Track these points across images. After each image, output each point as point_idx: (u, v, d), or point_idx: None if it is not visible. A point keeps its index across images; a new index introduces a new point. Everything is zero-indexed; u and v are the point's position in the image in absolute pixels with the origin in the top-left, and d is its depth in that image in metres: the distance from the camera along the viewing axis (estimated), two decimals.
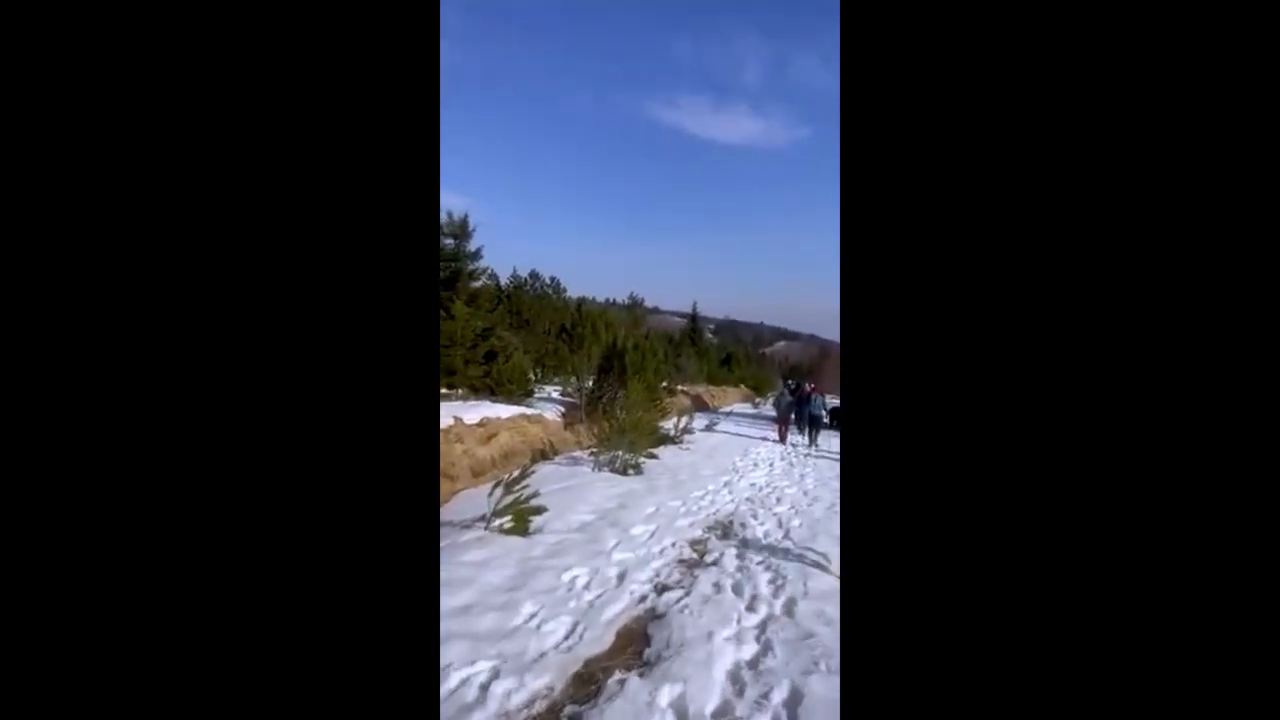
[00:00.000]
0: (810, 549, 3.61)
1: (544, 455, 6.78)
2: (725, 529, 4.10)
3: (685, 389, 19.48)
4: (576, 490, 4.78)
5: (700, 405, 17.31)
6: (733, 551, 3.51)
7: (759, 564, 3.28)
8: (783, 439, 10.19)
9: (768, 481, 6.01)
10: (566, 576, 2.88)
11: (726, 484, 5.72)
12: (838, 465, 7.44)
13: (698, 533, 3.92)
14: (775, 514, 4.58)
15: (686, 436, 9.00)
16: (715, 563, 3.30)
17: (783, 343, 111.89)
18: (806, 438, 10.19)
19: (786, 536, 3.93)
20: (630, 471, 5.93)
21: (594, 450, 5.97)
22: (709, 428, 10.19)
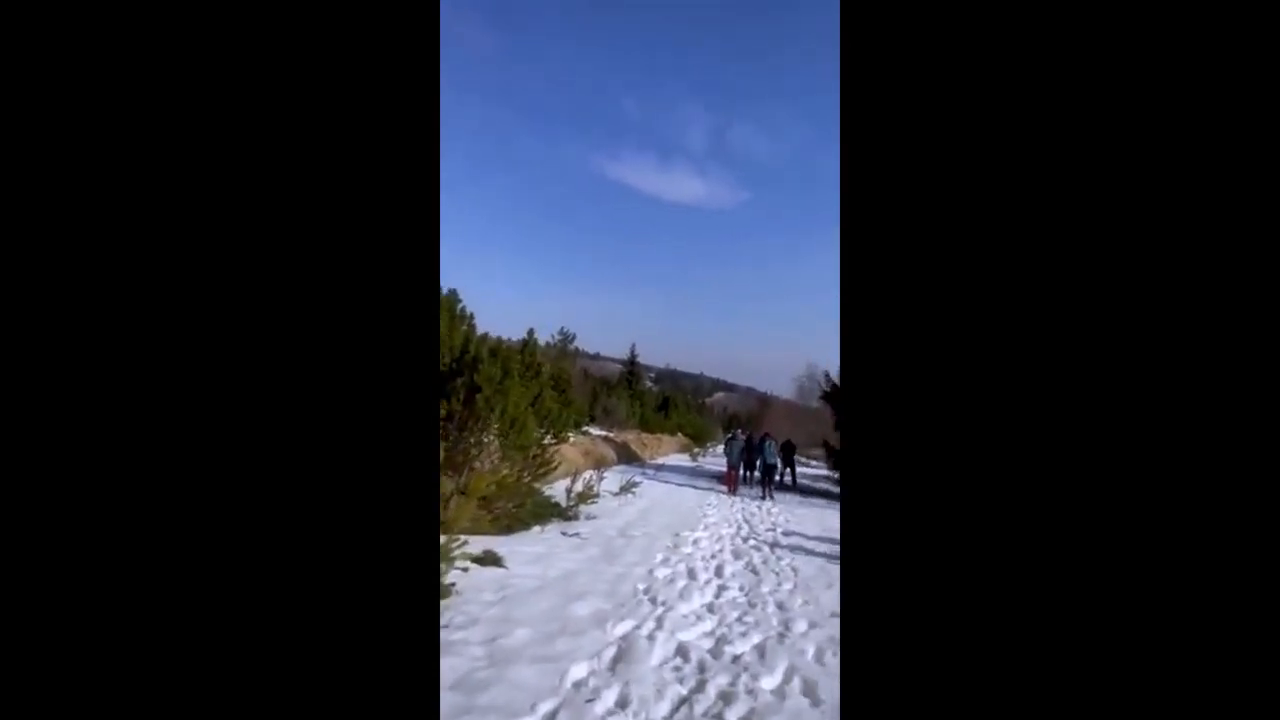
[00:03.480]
0: None
1: None
2: None
3: (611, 435, 16.25)
4: None
5: (627, 456, 14.01)
6: None
7: None
8: (733, 489, 9.12)
9: (716, 646, 2.73)
10: None
11: (618, 666, 2.41)
12: (832, 567, 4.30)
13: None
14: None
15: (584, 508, 5.66)
16: None
17: (721, 394, 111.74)
18: (761, 491, 8.96)
19: None
20: None
21: None
22: (625, 489, 6.89)
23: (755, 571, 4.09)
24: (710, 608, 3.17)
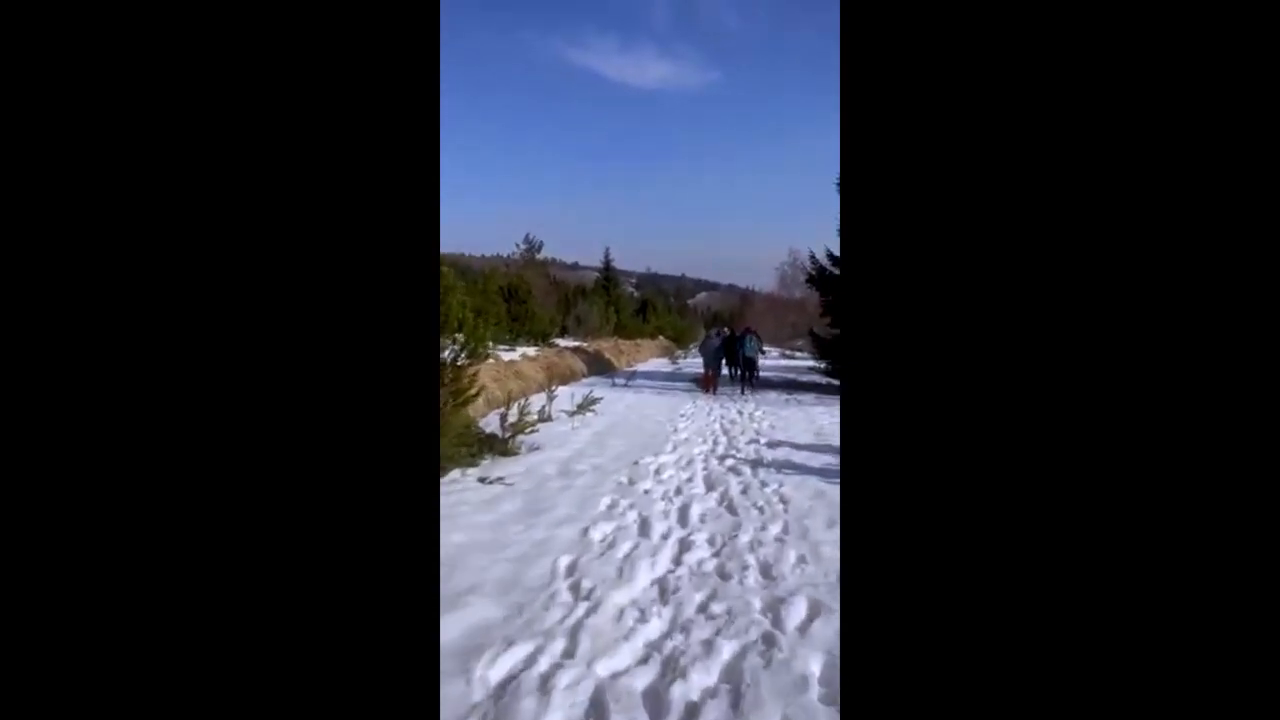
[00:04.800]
0: None
1: None
2: None
3: (584, 345, 15.14)
4: None
5: (600, 366, 12.95)
6: None
7: None
8: (711, 388, 8.72)
9: (659, 681, 1.67)
10: None
11: None
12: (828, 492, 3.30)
13: None
14: None
15: (525, 438, 4.57)
16: None
17: (704, 294, 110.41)
18: (741, 388, 8.74)
19: None
20: None
21: None
22: (583, 407, 5.80)
23: (733, 509, 3.06)
24: (662, 589, 2.12)
